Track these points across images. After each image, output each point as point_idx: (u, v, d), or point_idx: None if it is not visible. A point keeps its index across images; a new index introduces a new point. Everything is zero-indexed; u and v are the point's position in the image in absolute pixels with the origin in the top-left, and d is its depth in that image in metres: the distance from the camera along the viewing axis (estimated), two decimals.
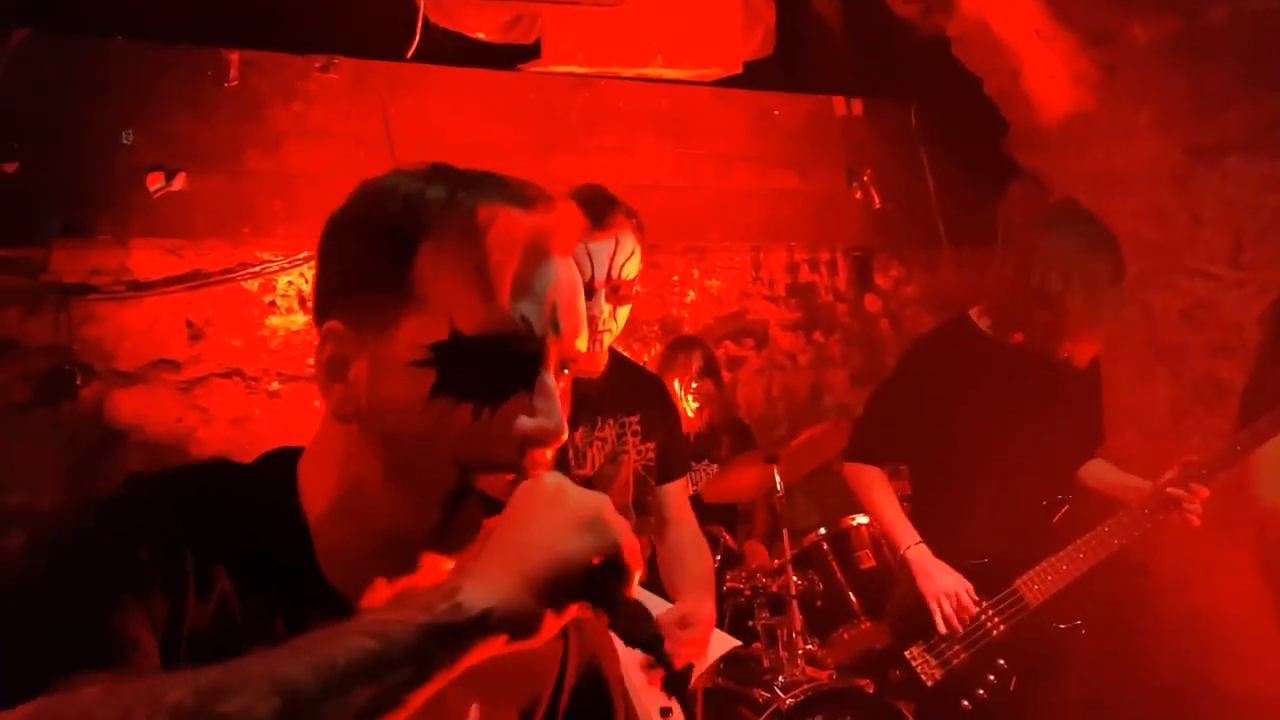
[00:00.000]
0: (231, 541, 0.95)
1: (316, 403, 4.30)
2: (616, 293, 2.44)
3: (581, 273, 2.37)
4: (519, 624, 0.85)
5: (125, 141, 3.81)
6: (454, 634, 0.82)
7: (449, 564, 0.99)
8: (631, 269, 2.45)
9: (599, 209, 2.42)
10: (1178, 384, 4.58)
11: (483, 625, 0.83)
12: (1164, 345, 4.61)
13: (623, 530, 0.88)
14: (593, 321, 2.41)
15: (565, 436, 0.96)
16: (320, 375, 0.97)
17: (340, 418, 0.96)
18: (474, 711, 1.05)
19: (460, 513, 0.94)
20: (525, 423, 0.93)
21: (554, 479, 0.91)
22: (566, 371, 0.98)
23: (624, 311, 2.50)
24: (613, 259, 2.41)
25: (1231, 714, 4.10)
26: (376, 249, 0.95)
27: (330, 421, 0.98)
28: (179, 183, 3.85)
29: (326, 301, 0.99)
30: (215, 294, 4.18)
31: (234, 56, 3.98)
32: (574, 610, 0.88)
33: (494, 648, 0.84)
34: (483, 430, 0.92)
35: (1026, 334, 2.94)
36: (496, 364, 0.92)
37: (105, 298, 3.99)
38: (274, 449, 1.06)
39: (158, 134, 3.85)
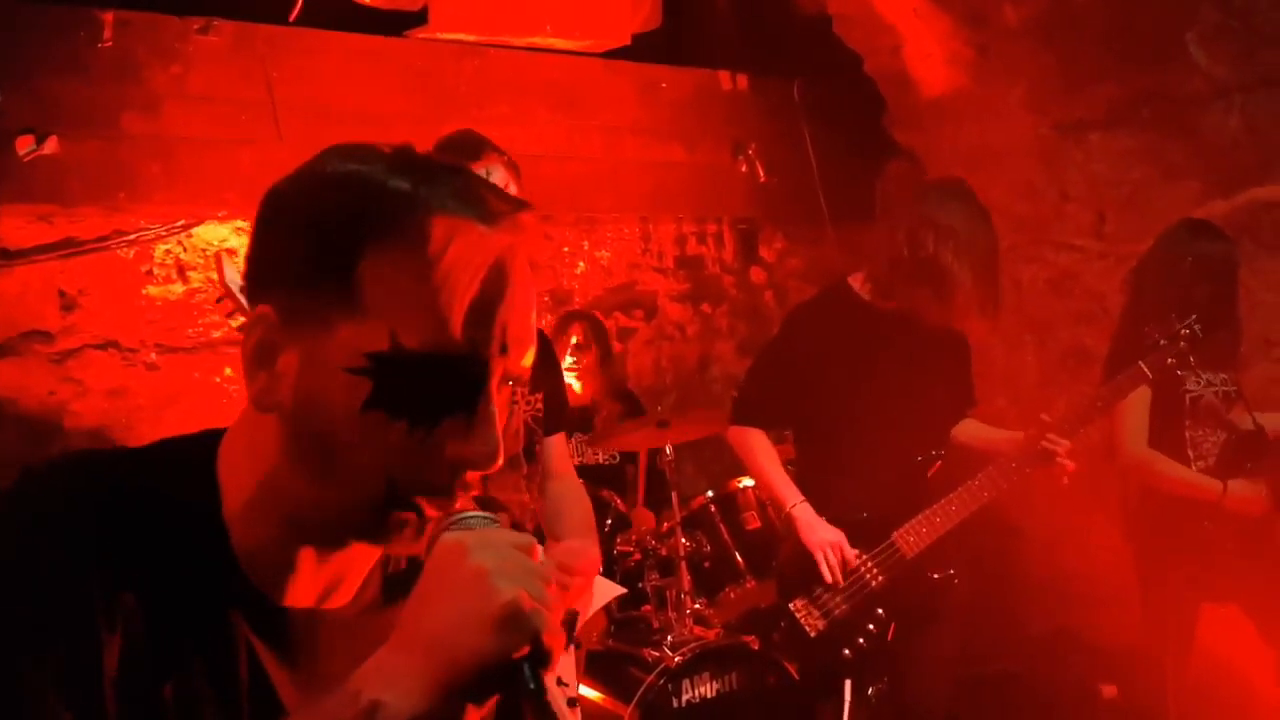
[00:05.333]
0: (144, 554, 0.88)
1: (196, 374, 4.22)
2: None
3: None
4: None
5: None
6: None
7: (369, 561, 0.97)
8: None
9: (471, 147, 2.48)
10: (1045, 352, 4.80)
11: None
12: (1032, 315, 4.82)
13: (544, 615, 0.84)
14: None
15: (500, 463, 0.91)
16: (246, 360, 0.91)
17: (260, 407, 0.91)
18: None
19: (389, 518, 0.90)
20: (460, 449, 0.89)
21: (473, 546, 0.86)
22: (510, 384, 0.94)
23: None
24: None
25: (1093, 662, 4.33)
26: (322, 241, 0.88)
27: (252, 415, 0.93)
28: (50, 146, 3.72)
29: (261, 282, 0.92)
30: (89, 262, 4.05)
31: (108, 16, 3.85)
32: (495, 700, 0.86)
33: None
34: (416, 448, 0.88)
35: (909, 304, 3.05)
36: (438, 384, 0.87)
37: None
38: (198, 433, 1.00)
39: (28, 95, 3.71)
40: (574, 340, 4.41)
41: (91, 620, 0.84)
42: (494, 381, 0.91)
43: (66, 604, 0.84)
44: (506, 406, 0.95)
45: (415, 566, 1.00)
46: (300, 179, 0.92)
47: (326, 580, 0.97)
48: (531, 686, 0.83)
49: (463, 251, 0.88)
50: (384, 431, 0.87)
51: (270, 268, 0.92)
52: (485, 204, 0.90)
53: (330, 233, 0.88)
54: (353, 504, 0.90)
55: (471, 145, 2.51)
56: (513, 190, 2.49)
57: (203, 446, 0.97)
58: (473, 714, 0.85)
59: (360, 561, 0.98)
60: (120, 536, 0.88)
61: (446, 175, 0.92)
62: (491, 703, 0.86)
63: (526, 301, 0.92)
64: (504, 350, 0.90)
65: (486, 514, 0.91)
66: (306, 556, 0.94)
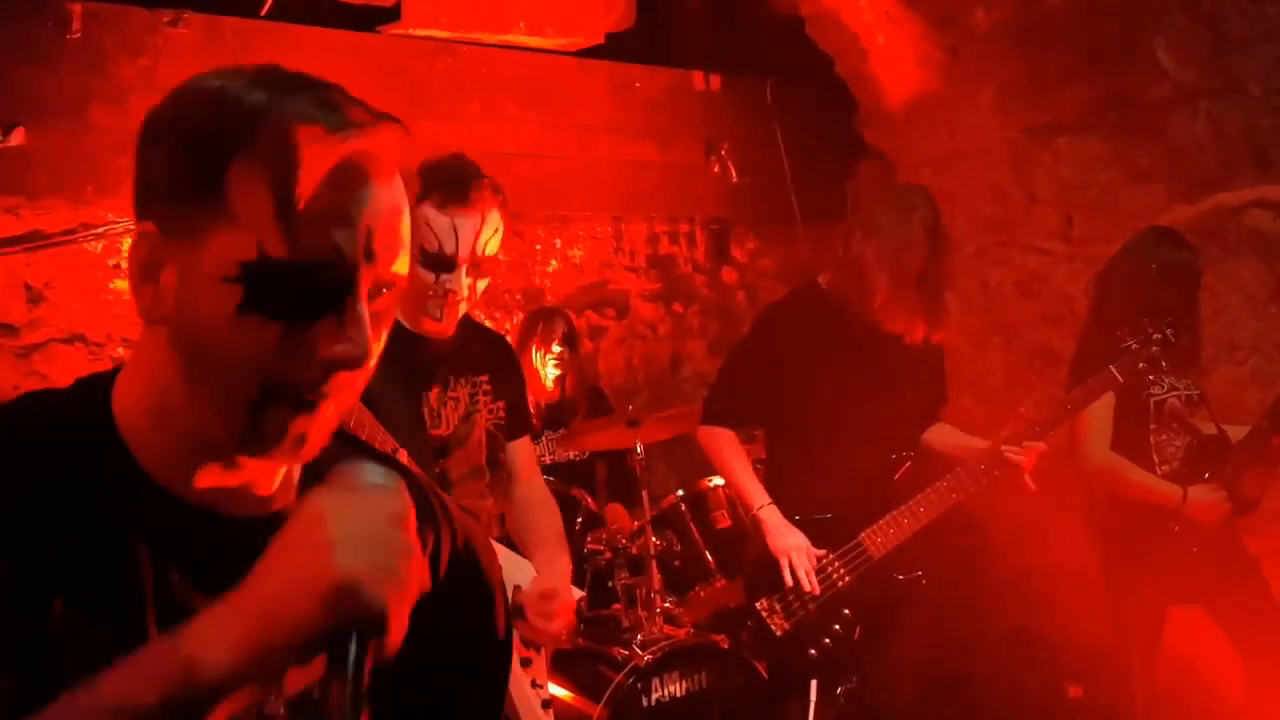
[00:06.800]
0: (32, 472, 0.91)
1: None
2: (478, 268, 2.45)
3: (445, 247, 2.40)
4: (260, 682, 0.85)
5: None
6: (193, 708, 0.82)
7: (262, 465, 0.99)
8: (494, 245, 2.46)
9: (465, 183, 2.42)
10: (1012, 353, 4.84)
11: (218, 694, 0.82)
12: (1000, 316, 4.86)
13: (382, 592, 0.84)
14: (452, 295, 2.43)
15: (372, 363, 0.95)
16: (131, 277, 0.95)
17: (148, 320, 0.95)
18: None
19: (265, 419, 0.92)
20: (331, 348, 0.92)
21: (328, 512, 0.87)
22: (385, 292, 0.97)
23: (483, 283, 2.52)
24: (478, 235, 2.40)
25: (1058, 663, 4.36)
26: (189, 156, 0.91)
27: (145, 331, 0.97)
28: (17, 138, 3.68)
29: (143, 201, 0.95)
30: (56, 256, 4.00)
31: (76, 8, 3.81)
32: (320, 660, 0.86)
33: (238, 702, 0.84)
34: (289, 351, 0.91)
35: (840, 300, 3.09)
36: (305, 288, 0.90)
37: None
38: (88, 375, 1.04)
39: None
40: (559, 334, 4.41)
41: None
42: (362, 286, 0.93)
43: None
44: (388, 312, 0.98)
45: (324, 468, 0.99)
46: (172, 98, 0.96)
47: (236, 487, 0.99)
48: (351, 659, 0.83)
49: (316, 156, 0.90)
50: (257, 336, 0.90)
51: (149, 186, 0.95)
52: (342, 112, 0.92)
53: (197, 147, 0.91)
54: (231, 404, 0.92)
55: (468, 179, 2.43)
56: (502, 231, 2.46)
57: (102, 375, 1.01)
58: (296, 674, 0.86)
59: (268, 468, 1.00)
60: (9, 465, 0.91)
61: (306, 86, 0.94)
62: (320, 660, 0.86)
63: (393, 210, 0.95)
64: (370, 257, 0.93)
65: (381, 472, 0.91)
66: (212, 466, 0.96)
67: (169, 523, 0.95)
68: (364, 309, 0.93)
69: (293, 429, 0.93)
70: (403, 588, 0.86)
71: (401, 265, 0.97)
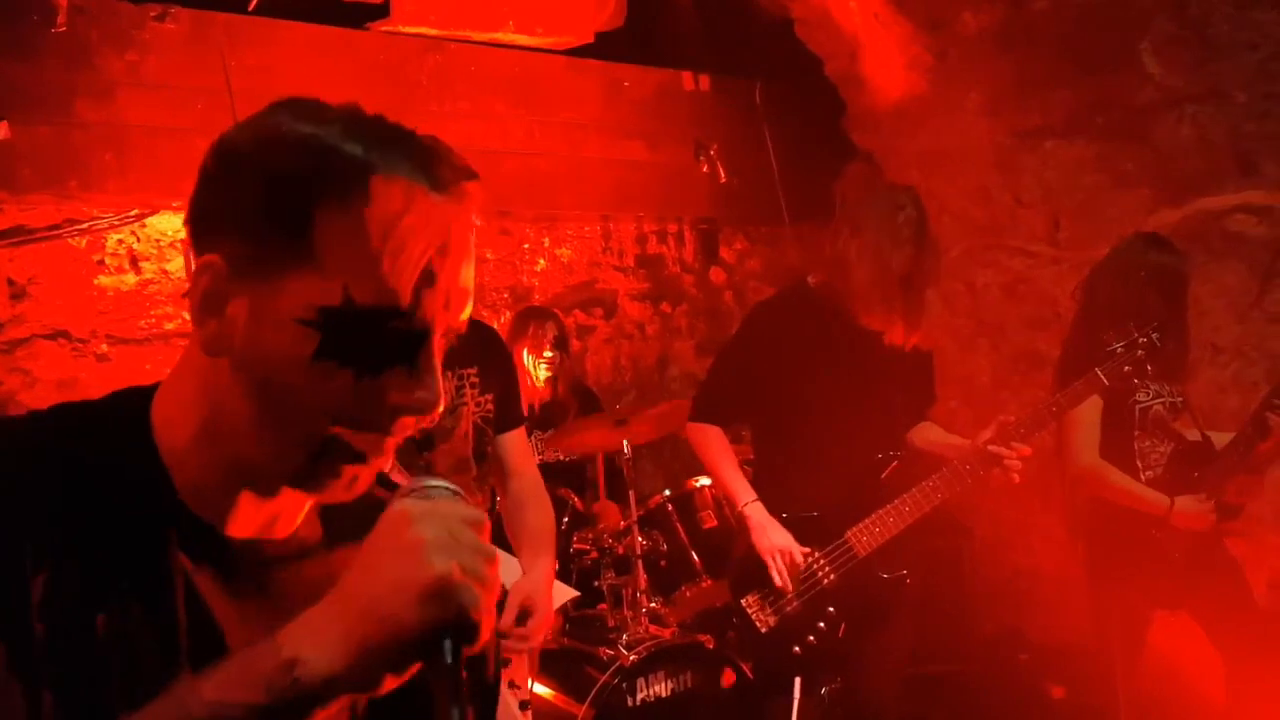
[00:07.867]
0: (75, 493, 0.91)
1: (148, 366, 4.16)
2: None
3: None
4: (359, 688, 0.85)
5: None
6: (295, 709, 0.83)
7: (307, 500, 1.00)
8: None
9: None
10: (998, 355, 4.85)
11: (322, 697, 0.83)
12: (986, 319, 4.87)
13: (474, 591, 0.85)
14: None
15: (440, 410, 0.97)
16: (194, 306, 0.94)
17: (210, 352, 0.94)
18: None
19: (325, 459, 0.94)
20: (406, 395, 0.93)
21: (417, 517, 0.88)
22: (446, 335, 0.98)
23: None
24: None
25: (1041, 663, 4.39)
26: (275, 198, 0.91)
27: (195, 353, 0.96)
28: (2, 132, 3.65)
29: (210, 231, 0.94)
30: (39, 251, 3.99)
31: (62, 1, 3.78)
32: (415, 668, 0.87)
33: (336, 706, 0.85)
34: (361, 396, 0.92)
35: (829, 295, 3.10)
36: (385, 337, 0.92)
37: None
38: (133, 387, 1.02)
39: None
40: (551, 336, 4.40)
41: (15, 555, 0.87)
42: (436, 335, 0.96)
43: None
44: (441, 353, 0.99)
45: (356, 503, 1.01)
46: (253, 134, 0.95)
47: (267, 517, 1.00)
48: (448, 661, 0.84)
49: (416, 220, 0.92)
50: (330, 380, 0.91)
51: (220, 218, 0.94)
52: (437, 172, 0.94)
53: (285, 191, 0.91)
54: (294, 442, 0.93)
55: None
56: None
57: (138, 394, 1.00)
58: (391, 681, 0.86)
59: (299, 499, 1.00)
60: (49, 477, 0.91)
61: (399, 140, 0.95)
62: (413, 670, 0.87)
63: (468, 260, 0.97)
64: (446, 306, 0.95)
65: (449, 486, 0.93)
66: (247, 496, 0.97)
67: (198, 545, 0.96)
68: (436, 359, 0.95)
69: (348, 471, 0.94)
70: (488, 591, 0.87)
71: (467, 313, 0.98)
